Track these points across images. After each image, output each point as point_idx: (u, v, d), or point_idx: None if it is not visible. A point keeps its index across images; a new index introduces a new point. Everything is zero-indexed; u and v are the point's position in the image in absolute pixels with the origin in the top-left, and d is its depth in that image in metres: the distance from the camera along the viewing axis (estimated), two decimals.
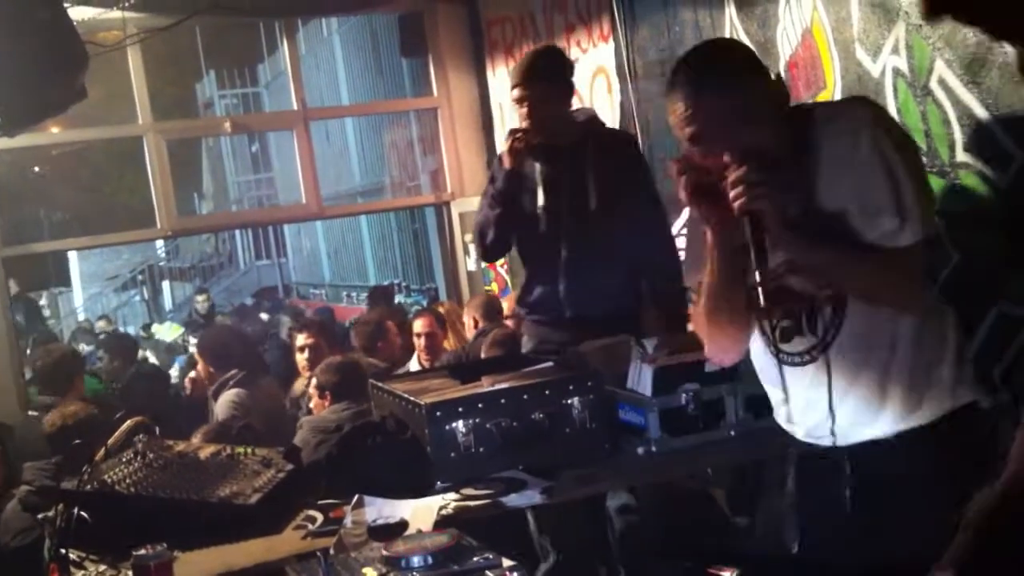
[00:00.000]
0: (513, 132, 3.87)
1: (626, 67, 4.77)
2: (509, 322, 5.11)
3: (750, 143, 2.15)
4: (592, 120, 4.07)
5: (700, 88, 2.17)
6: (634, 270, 3.89)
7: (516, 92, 3.85)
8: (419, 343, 5.54)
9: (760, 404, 3.02)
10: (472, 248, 6.56)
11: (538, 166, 3.90)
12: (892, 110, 3.23)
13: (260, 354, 6.43)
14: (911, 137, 2.36)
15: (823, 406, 2.25)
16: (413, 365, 5.50)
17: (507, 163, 3.84)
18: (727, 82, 2.18)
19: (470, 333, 5.48)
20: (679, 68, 2.25)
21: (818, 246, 2.18)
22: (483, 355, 4.52)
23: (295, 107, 6.62)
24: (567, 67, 3.97)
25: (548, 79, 3.86)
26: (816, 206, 2.19)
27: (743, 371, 3.10)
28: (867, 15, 3.28)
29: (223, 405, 5.14)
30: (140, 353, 9.51)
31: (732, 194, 2.13)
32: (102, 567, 2.58)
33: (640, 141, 4.73)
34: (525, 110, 3.84)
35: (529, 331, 4.08)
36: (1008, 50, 2.73)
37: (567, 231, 3.86)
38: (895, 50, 3.16)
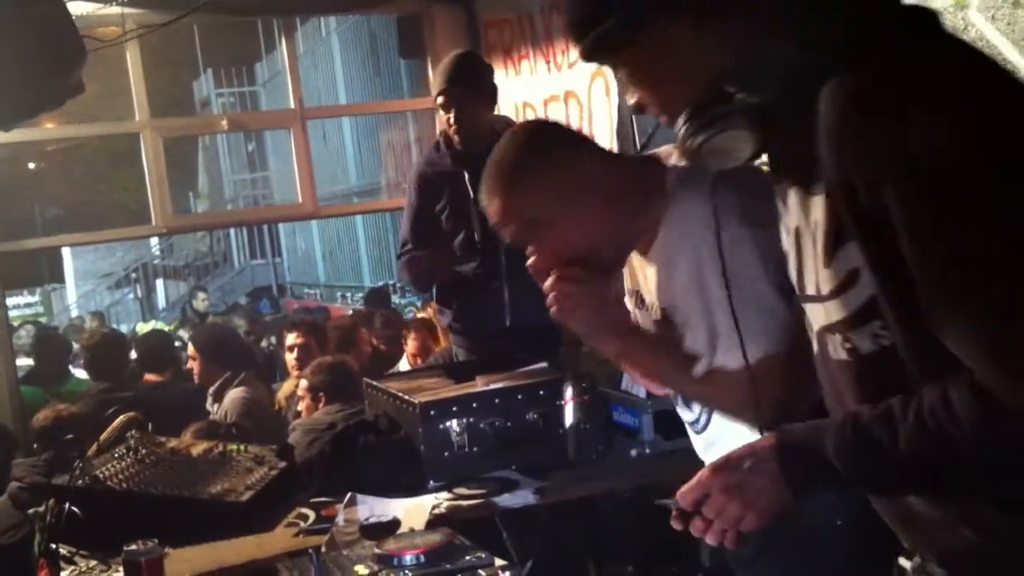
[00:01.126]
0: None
1: None
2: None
3: (569, 244, 1.94)
4: (508, 126, 4.07)
5: (501, 194, 1.97)
6: None
7: (442, 98, 3.78)
8: (408, 347, 5.55)
9: None
10: None
11: (467, 176, 3.82)
12: None
13: (255, 354, 6.43)
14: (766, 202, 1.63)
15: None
16: (403, 366, 5.49)
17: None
18: (531, 184, 1.94)
19: None
20: (485, 171, 2.03)
21: (648, 357, 2.00)
22: None
23: (292, 106, 6.61)
24: (489, 71, 3.97)
25: (474, 83, 3.82)
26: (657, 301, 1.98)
27: None
28: None
29: (235, 402, 5.10)
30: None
31: (547, 300, 1.97)
32: (92, 563, 2.57)
33: (637, 145, 4.73)
34: (452, 115, 3.77)
35: (463, 344, 4.03)
36: (1008, 56, 2.74)
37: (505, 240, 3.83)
38: None
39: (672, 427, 2.96)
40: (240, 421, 4.73)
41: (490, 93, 3.89)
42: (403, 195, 4.17)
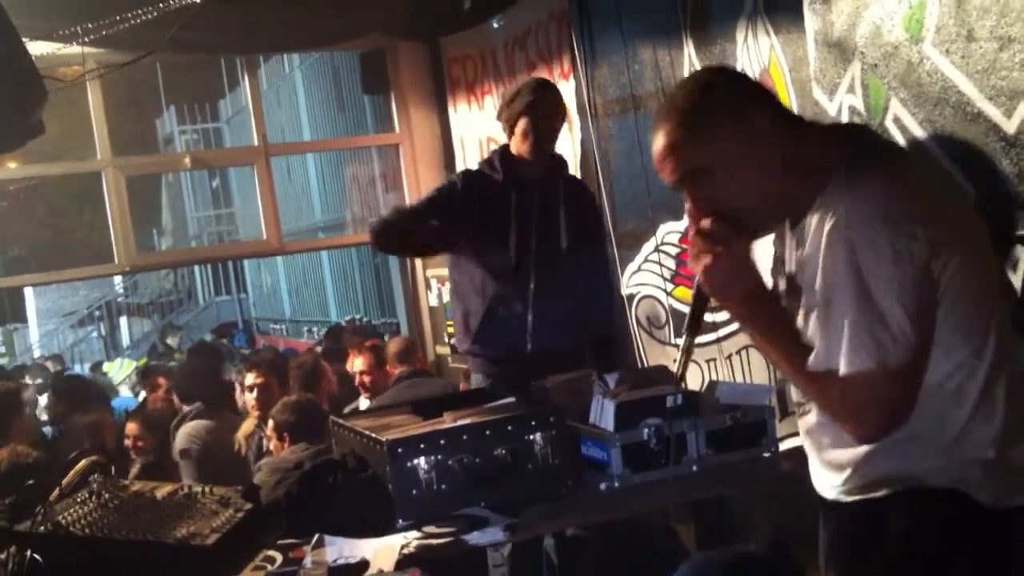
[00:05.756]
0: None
1: (587, 105, 4.81)
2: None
3: (724, 198, 2.00)
4: (561, 159, 4.13)
5: (669, 134, 2.03)
6: (579, 311, 3.91)
7: (525, 107, 3.78)
8: (358, 380, 5.50)
9: (722, 439, 3.03)
10: (434, 283, 6.55)
11: (513, 195, 3.85)
12: None
13: (225, 389, 6.30)
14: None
15: None
16: (363, 404, 5.44)
17: None
18: (699, 130, 1.98)
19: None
20: (659, 108, 2.10)
21: (770, 331, 2.08)
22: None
23: (256, 143, 6.60)
24: None
25: (560, 96, 3.92)
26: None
27: (705, 406, 3.11)
28: (823, 54, 3.33)
29: (181, 436, 5.25)
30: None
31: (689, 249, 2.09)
32: None
33: (601, 178, 4.76)
34: (538, 119, 3.78)
35: (482, 369, 3.99)
36: (962, 89, 2.78)
37: (537, 263, 3.84)
38: (851, 89, 3.21)
39: (641, 460, 2.96)
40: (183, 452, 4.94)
41: (565, 115, 3.96)
42: (368, 230, 4.14)
